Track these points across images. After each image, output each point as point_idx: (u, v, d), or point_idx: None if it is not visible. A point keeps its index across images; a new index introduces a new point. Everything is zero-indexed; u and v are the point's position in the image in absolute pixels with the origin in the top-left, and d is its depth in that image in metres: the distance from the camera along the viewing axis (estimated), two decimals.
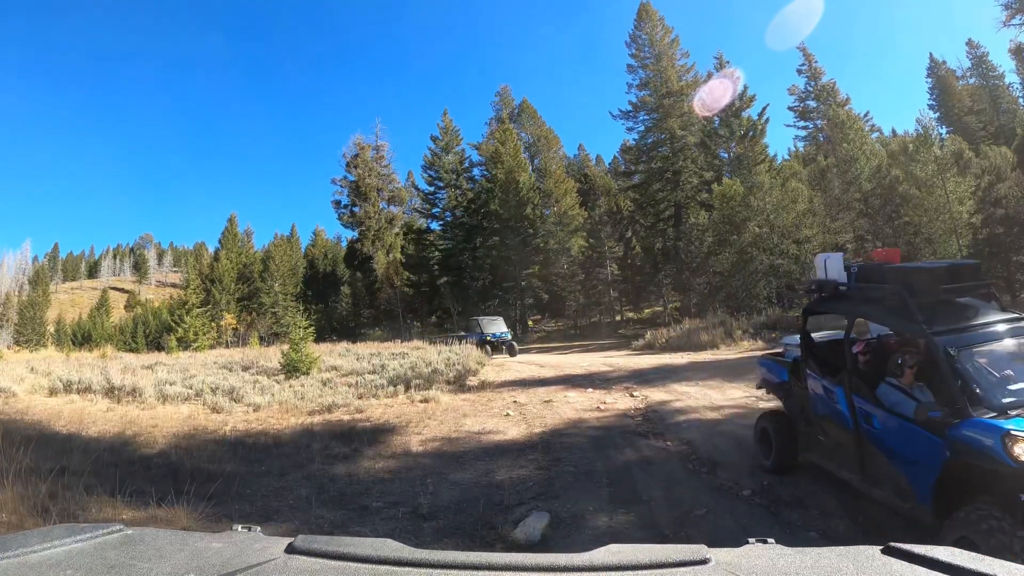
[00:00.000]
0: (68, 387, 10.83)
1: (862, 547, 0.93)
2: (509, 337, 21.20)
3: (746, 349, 17.15)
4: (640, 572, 0.83)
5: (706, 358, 15.30)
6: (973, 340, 3.37)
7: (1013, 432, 2.74)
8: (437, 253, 41.27)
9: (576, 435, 7.03)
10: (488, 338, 20.25)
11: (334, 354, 16.80)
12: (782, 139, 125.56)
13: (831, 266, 4.53)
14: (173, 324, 35.28)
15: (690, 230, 30.41)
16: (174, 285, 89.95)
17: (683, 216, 33.57)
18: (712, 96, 32.24)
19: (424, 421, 8.08)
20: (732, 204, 25.91)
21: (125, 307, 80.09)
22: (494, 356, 19.71)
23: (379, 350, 18.31)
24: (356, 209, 44.50)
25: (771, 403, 8.17)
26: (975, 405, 3.05)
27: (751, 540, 1.00)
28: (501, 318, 23.16)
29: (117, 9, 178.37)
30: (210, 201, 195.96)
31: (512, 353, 20.03)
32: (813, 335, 4.83)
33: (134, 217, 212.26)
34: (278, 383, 11.76)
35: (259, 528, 1.11)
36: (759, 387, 5.73)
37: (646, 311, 39.81)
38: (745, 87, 32.41)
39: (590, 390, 10.36)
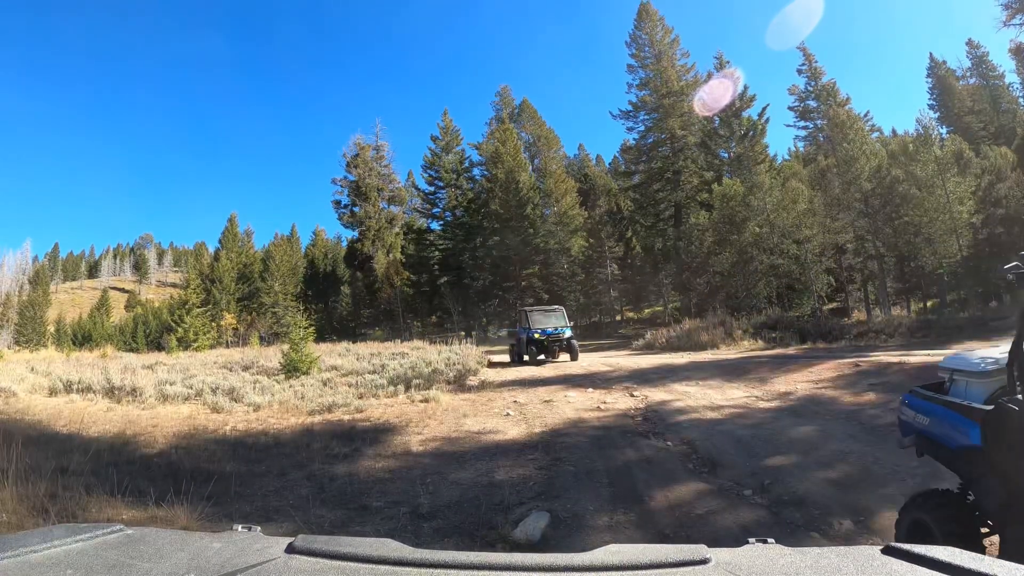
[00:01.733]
0: (68, 387, 10.83)
1: (862, 547, 0.93)
2: (568, 334, 16.11)
3: (746, 349, 17.16)
4: (640, 572, 0.83)
5: (706, 358, 15.30)
6: None
7: None
8: (437, 253, 41.30)
9: (576, 435, 7.03)
10: (536, 335, 15.58)
11: (334, 354, 16.82)
12: (782, 139, 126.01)
13: None
14: (173, 324, 35.28)
15: (690, 230, 30.43)
16: (174, 285, 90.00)
17: (683, 216, 33.60)
18: (712, 96, 32.26)
19: (424, 421, 8.07)
20: (732, 204, 25.91)
21: (125, 307, 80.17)
22: (548, 359, 15.72)
23: (379, 350, 18.33)
24: (356, 209, 44.55)
25: (772, 403, 8.21)
26: None
27: (751, 540, 1.00)
28: (560, 309, 17.82)
29: (117, 9, 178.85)
30: (210, 201, 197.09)
31: (573, 355, 15.68)
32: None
33: (134, 217, 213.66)
34: (278, 383, 11.76)
35: (259, 528, 1.12)
36: (905, 444, 3.07)
37: (646, 311, 39.86)
38: (745, 87, 32.48)
39: (590, 390, 10.36)
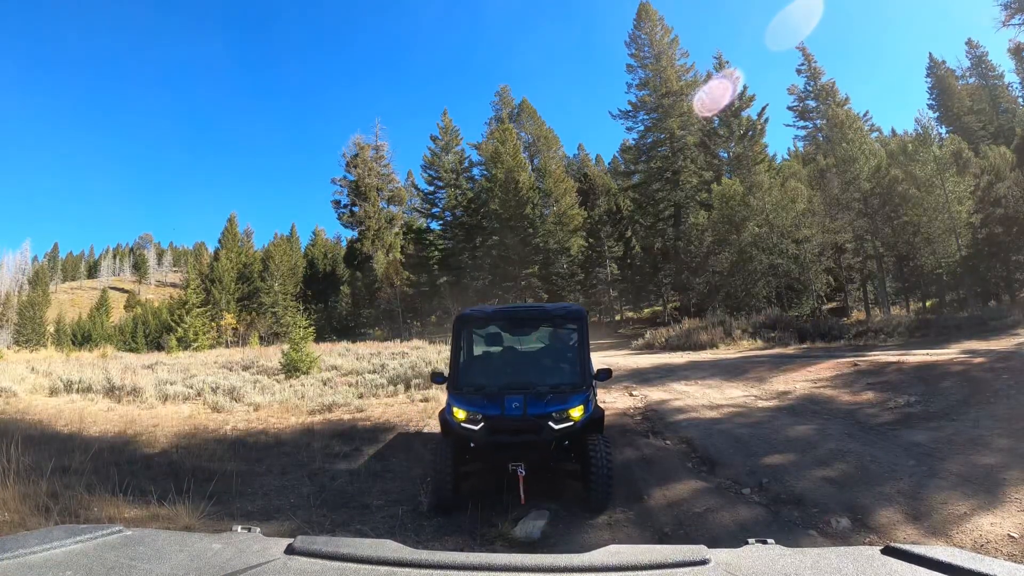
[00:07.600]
0: (69, 387, 10.82)
1: (862, 547, 0.94)
2: (580, 412, 4.26)
3: (745, 348, 17.16)
4: (640, 572, 0.83)
5: (705, 357, 15.30)
6: None
7: None
8: (437, 253, 41.27)
9: None
10: (460, 416, 4.43)
11: (334, 354, 16.81)
12: (781, 139, 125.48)
13: None
14: (173, 324, 35.27)
15: (690, 230, 30.43)
16: (174, 285, 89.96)
17: (683, 216, 33.60)
18: (712, 96, 32.23)
19: (424, 420, 8.07)
20: (731, 204, 25.90)
21: (125, 307, 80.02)
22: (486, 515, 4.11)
23: (379, 350, 18.33)
24: (356, 209, 44.56)
25: (770, 402, 8.21)
26: None
27: (751, 540, 1.00)
28: (580, 316, 5.02)
29: (117, 8, 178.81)
30: (210, 201, 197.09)
31: (599, 487, 4.16)
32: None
33: (134, 217, 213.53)
34: (278, 382, 11.76)
35: (259, 529, 1.12)
36: None
37: (646, 311, 39.85)
38: (745, 87, 32.44)
39: None
